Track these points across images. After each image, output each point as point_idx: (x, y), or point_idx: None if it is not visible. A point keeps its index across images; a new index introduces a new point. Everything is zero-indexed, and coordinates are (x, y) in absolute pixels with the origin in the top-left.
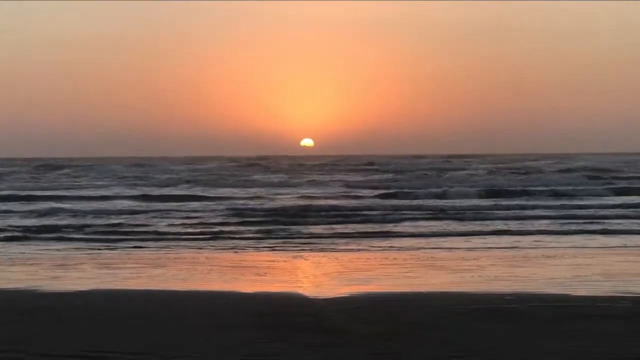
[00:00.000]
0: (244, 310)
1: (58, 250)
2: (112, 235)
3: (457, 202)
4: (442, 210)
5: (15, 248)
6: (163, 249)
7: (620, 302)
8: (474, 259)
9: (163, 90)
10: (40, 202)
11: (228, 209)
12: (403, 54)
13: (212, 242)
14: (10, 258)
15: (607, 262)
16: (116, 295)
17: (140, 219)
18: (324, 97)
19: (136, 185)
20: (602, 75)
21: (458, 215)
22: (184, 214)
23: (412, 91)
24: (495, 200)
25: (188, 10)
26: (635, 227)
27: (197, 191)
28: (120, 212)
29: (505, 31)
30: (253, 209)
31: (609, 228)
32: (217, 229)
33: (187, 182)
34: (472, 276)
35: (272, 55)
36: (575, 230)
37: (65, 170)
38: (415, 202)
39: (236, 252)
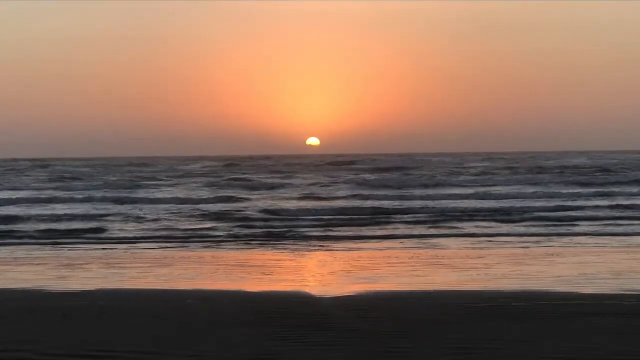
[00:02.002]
0: (250, 309)
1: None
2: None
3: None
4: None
5: (21, 249)
6: (150, 250)
7: (627, 300)
8: (479, 257)
9: (167, 89)
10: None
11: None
12: (411, 51)
13: (204, 243)
14: (17, 258)
15: (614, 260)
16: (123, 294)
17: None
18: (330, 96)
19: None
20: (603, 74)
21: None
22: (173, 215)
23: (420, 89)
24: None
25: (192, 8)
26: None
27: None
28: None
29: (514, 29)
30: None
31: None
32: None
33: (171, 182)
34: (479, 275)
35: (278, 53)
36: None
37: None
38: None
39: (239, 251)
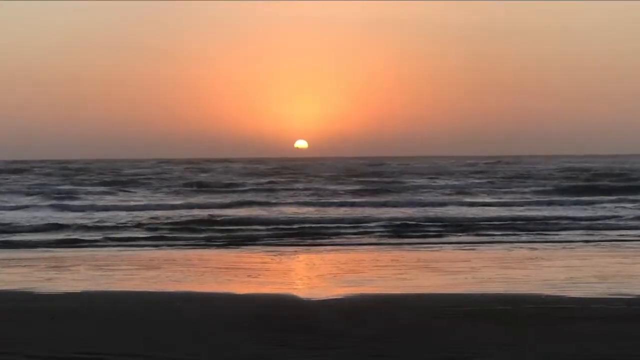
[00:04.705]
0: (237, 311)
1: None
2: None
3: None
4: None
5: (7, 251)
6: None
7: (614, 303)
8: (466, 261)
9: (154, 91)
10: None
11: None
12: (399, 55)
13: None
14: (4, 259)
15: (601, 264)
16: (110, 296)
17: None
18: (319, 98)
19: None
20: (600, 77)
21: None
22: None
23: (408, 92)
24: None
25: (180, 10)
26: None
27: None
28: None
29: (504, 32)
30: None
31: None
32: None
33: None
34: (466, 278)
35: (266, 55)
36: None
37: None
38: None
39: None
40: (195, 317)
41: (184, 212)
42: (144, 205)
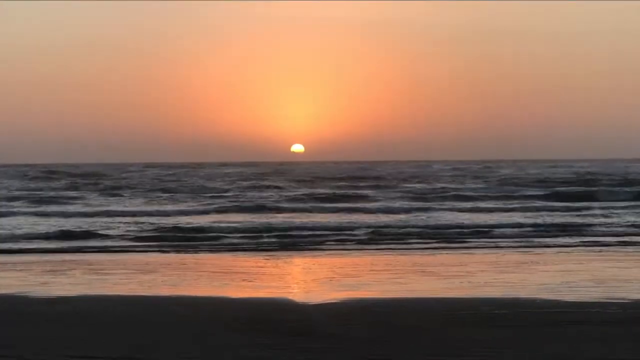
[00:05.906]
0: (232, 315)
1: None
2: None
3: None
4: None
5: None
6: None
7: (610, 307)
8: (462, 265)
9: (150, 95)
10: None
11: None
12: (397, 57)
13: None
14: (0, 263)
15: (597, 268)
16: (105, 300)
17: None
18: (315, 103)
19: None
20: (597, 79)
21: None
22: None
23: (406, 95)
24: None
25: (176, 12)
26: None
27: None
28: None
29: (500, 34)
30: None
31: None
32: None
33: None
34: (462, 282)
35: (263, 58)
36: None
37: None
38: None
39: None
40: (192, 320)
41: (165, 219)
42: (127, 212)
